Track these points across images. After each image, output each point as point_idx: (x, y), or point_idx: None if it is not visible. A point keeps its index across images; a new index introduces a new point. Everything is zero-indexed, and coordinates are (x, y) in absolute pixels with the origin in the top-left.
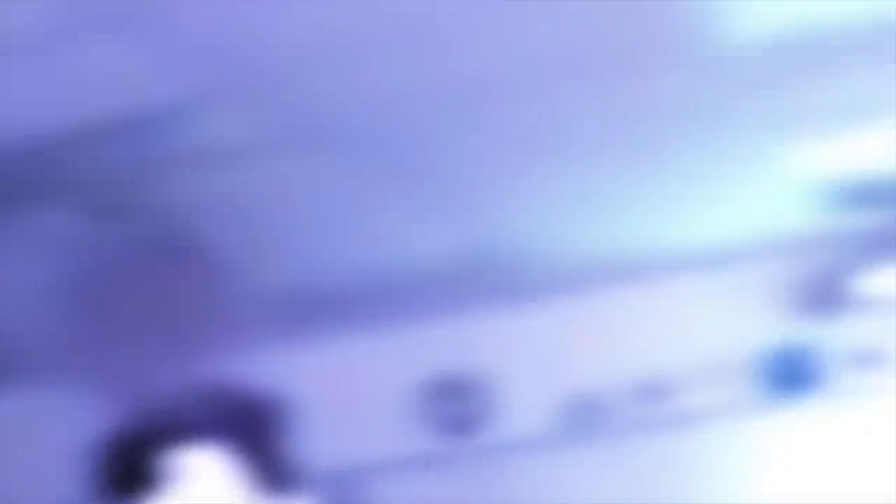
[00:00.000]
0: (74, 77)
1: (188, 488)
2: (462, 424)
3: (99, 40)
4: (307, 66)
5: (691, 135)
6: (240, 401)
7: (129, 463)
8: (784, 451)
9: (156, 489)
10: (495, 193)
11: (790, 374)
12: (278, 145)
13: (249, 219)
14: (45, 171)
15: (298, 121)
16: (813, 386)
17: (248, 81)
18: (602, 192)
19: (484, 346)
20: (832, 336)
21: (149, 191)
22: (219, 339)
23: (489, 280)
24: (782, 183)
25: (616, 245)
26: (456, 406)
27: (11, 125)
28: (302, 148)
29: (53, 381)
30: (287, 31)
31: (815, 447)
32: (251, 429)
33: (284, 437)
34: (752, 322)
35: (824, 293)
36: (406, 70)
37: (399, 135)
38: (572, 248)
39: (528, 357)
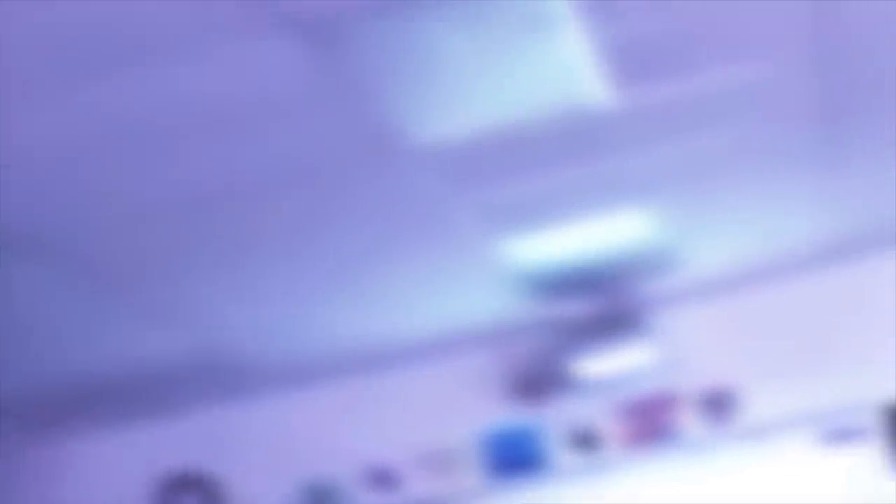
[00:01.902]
0: None
1: None
2: None
3: None
4: (23, 173)
5: (407, 231)
6: None
7: None
8: None
9: None
10: (216, 297)
11: (512, 458)
12: None
13: None
14: None
15: (12, 228)
16: (534, 467)
17: None
18: (322, 289)
19: (214, 441)
20: (549, 419)
21: None
22: None
23: (215, 378)
24: (495, 274)
25: (338, 339)
26: (190, 502)
27: None
28: (20, 255)
29: None
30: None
31: None
32: None
33: None
34: (472, 408)
35: (540, 378)
36: (125, 179)
37: (116, 243)
38: (295, 345)
39: (258, 450)
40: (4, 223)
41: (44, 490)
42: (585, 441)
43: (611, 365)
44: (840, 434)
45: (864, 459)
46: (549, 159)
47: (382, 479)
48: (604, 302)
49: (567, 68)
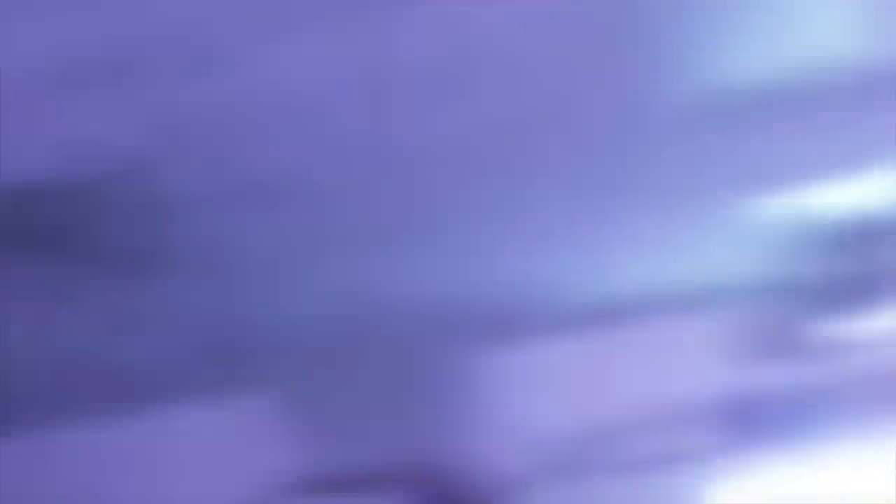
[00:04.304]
0: (54, 129)
1: None
2: None
3: (78, 95)
4: (271, 119)
5: (655, 185)
6: None
7: None
8: (743, 499)
9: None
10: (464, 242)
11: (750, 421)
12: (244, 198)
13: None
14: (26, 219)
15: (267, 175)
16: (774, 433)
17: (208, 135)
18: (559, 242)
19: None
20: (791, 383)
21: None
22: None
23: (459, 326)
24: (742, 233)
25: (577, 291)
26: None
27: None
28: (273, 200)
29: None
30: (244, 89)
31: (774, 494)
32: None
33: None
34: (712, 369)
35: (783, 340)
36: (375, 124)
37: (371, 188)
38: (531, 295)
39: (493, 407)
40: (253, 171)
41: None
42: (827, 409)
43: (856, 329)
44: None
45: None
46: (806, 116)
47: (615, 436)
48: (851, 264)
49: (833, 22)
